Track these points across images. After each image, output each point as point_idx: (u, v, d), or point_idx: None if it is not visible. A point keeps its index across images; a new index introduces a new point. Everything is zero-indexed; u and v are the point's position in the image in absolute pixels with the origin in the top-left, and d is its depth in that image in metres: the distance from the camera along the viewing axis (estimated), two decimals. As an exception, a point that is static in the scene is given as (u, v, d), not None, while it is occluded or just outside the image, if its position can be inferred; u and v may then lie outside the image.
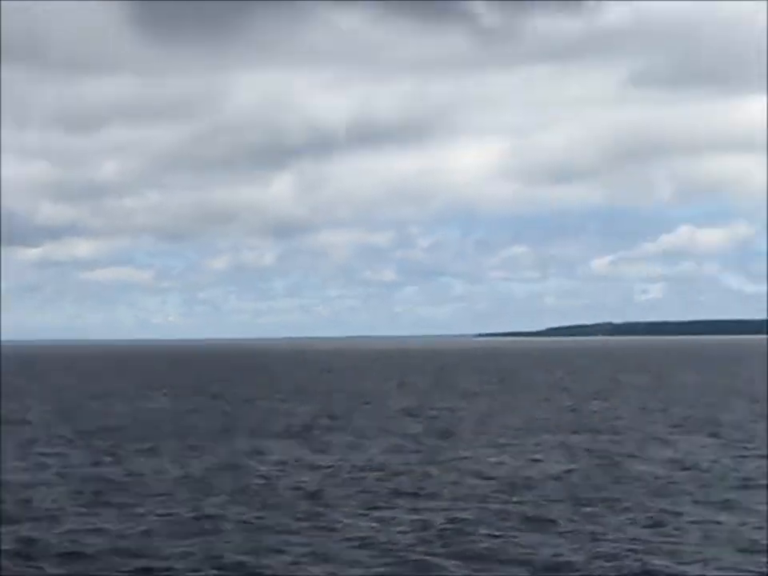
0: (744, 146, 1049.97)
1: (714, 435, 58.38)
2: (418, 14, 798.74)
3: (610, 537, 30.52)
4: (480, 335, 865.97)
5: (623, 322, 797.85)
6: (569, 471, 44.22)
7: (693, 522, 32.44)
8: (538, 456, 49.72)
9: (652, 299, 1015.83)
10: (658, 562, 27.00)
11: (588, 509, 35.15)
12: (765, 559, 27.39)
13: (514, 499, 37.26)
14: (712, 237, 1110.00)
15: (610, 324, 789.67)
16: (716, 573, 26.19)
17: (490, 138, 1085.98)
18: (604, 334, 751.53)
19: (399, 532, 31.66)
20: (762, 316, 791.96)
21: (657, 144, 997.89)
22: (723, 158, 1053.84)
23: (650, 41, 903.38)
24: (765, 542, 29.35)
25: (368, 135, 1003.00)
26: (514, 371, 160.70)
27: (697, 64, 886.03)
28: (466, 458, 49.65)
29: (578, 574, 26.73)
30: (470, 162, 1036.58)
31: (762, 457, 48.34)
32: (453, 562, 28.17)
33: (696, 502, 36.17)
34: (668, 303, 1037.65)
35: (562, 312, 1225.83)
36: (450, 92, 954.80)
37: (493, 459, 48.86)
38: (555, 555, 28.41)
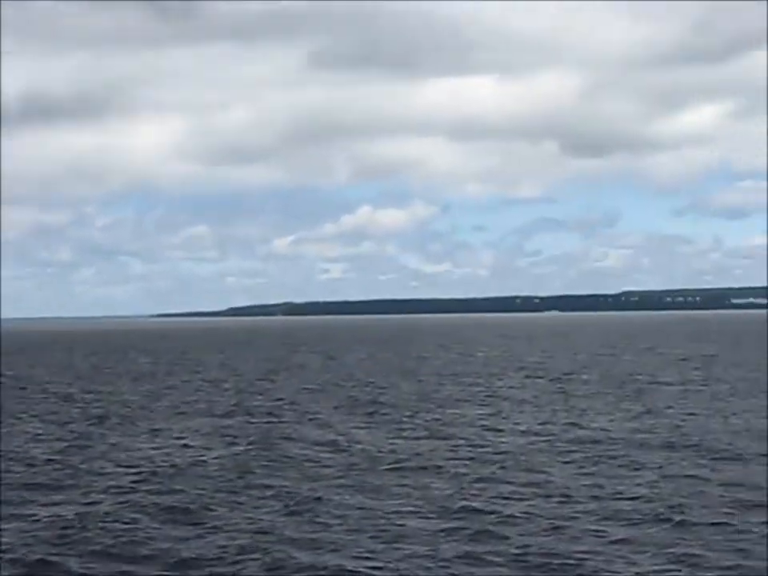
0: (423, 129, 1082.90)
1: (372, 415, 58.48)
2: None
3: (247, 527, 29.33)
4: (160, 315, 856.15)
5: (304, 301, 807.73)
6: (218, 457, 42.88)
7: (335, 508, 31.67)
8: (189, 441, 48.20)
9: (333, 279, 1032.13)
10: (283, 555, 25.91)
11: (230, 497, 33.91)
12: (400, 546, 26.81)
13: (155, 489, 35.58)
14: (391, 217, 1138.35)
15: (291, 303, 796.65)
16: (349, 562, 25.34)
17: (170, 116, 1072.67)
18: (285, 314, 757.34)
19: (21, 530, 29.46)
20: (440, 295, 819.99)
21: (337, 125, 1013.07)
22: (402, 140, 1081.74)
23: (330, 22, 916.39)
24: (395, 528, 28.82)
25: (42, 110, 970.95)
26: (186, 352, 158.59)
27: (376, 46, 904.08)
28: (113, 444, 47.61)
29: (206, 570, 25.38)
30: (148, 140, 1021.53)
31: (416, 438, 48.49)
32: (74, 561, 26.32)
33: (343, 486, 35.48)
34: (349, 283, 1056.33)
35: (243, 292, 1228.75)
36: (127, 67, 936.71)
37: (142, 446, 47.06)
38: (187, 549, 26.99)
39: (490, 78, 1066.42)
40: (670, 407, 60.10)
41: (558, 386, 78.01)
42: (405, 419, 56.32)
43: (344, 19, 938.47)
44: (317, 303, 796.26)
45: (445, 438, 47.97)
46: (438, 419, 55.96)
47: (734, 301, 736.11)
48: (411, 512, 30.94)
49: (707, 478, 36.30)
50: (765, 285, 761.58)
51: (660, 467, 38.44)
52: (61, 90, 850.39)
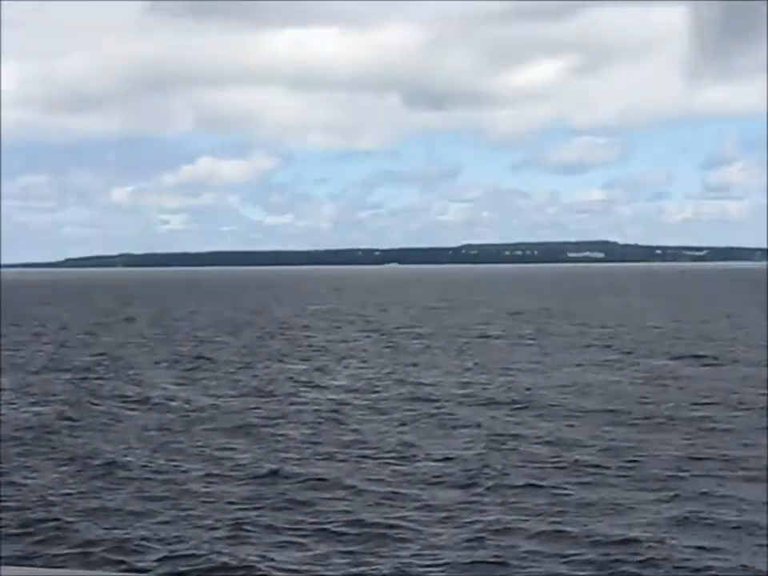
0: (266, 80, 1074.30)
1: (193, 370, 56.45)
2: None
3: (29, 496, 27.09)
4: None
5: (143, 252, 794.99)
6: (17, 417, 40.34)
7: (131, 471, 29.65)
8: (-9, 400, 45.49)
9: (173, 230, 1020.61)
10: (61, 527, 23.85)
11: (19, 461, 31.56)
12: (193, 513, 24.98)
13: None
14: (233, 168, 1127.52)
15: (129, 255, 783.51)
16: (134, 532, 23.40)
17: (5, 62, 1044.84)
18: (124, 265, 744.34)
19: None
20: (282, 247, 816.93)
21: (178, 74, 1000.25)
22: (245, 90, 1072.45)
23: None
24: (191, 494, 26.95)
25: None
26: (12, 304, 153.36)
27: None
28: None
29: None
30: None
31: (233, 396, 46.61)
32: None
33: (143, 448, 33.39)
34: (189, 234, 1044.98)
35: (81, 243, 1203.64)
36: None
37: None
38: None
39: (333, 29, 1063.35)
40: (497, 362, 59.39)
41: (389, 340, 76.86)
42: (226, 375, 54.43)
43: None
44: (156, 254, 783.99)
45: (263, 396, 46.20)
46: (257, 375, 54.16)
47: (570, 254, 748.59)
48: (212, 476, 29.11)
49: (526, 435, 35.27)
50: (599, 239, 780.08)
51: (479, 426, 37.28)
52: None
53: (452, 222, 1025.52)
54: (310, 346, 72.78)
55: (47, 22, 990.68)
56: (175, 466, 30.68)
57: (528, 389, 47.19)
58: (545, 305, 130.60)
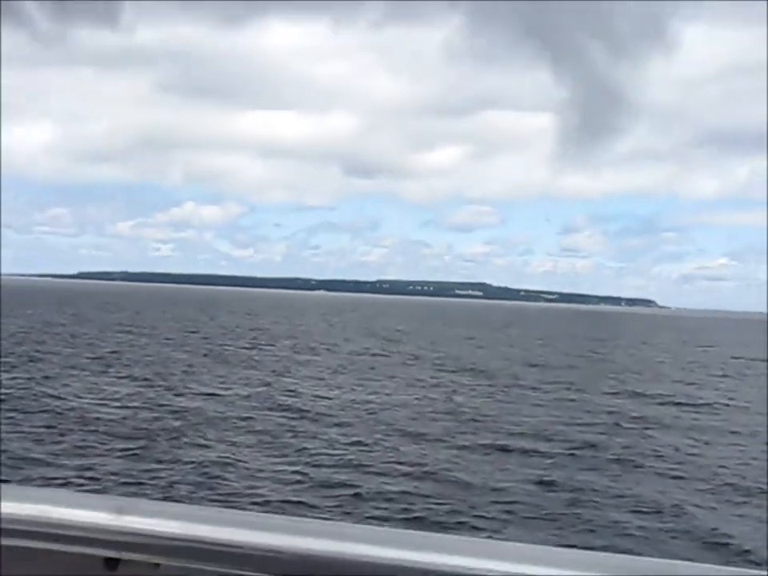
0: (239, 148, 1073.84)
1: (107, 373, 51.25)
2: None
3: None
4: (18, 275, 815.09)
5: (138, 271, 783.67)
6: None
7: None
8: None
9: (162, 256, 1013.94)
10: None
11: None
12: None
13: None
14: (210, 213, 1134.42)
15: (127, 272, 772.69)
16: None
17: (45, 122, 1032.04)
18: (121, 280, 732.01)
19: None
20: (243, 273, 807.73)
21: (174, 139, 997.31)
22: (223, 154, 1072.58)
23: (171, 58, 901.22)
24: None
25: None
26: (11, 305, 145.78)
27: (209, 81, 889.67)
28: None
29: None
30: (30, 140, 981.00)
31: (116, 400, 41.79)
32: None
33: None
34: (174, 259, 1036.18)
35: (92, 260, 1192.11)
36: (14, 82, 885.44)
37: None
38: None
39: (291, 112, 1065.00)
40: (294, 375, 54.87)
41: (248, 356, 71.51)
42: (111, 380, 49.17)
43: (184, 56, 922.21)
44: (148, 273, 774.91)
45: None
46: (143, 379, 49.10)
47: (457, 292, 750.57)
48: None
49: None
50: (479, 281, 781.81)
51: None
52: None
53: (372, 261, 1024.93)
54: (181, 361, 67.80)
55: (78, 91, 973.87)
56: None
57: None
58: (418, 328, 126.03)
